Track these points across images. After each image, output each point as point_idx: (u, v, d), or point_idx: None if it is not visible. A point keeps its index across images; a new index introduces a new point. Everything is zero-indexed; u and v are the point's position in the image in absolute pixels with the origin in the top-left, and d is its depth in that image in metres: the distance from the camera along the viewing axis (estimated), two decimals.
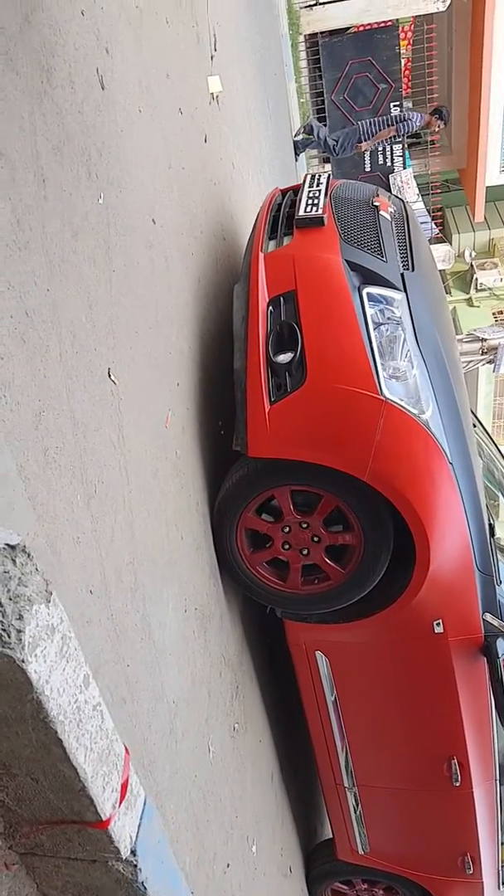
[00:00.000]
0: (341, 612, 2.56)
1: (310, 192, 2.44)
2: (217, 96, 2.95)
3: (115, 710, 1.52)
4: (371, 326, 2.09)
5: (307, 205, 2.36)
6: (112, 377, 1.62)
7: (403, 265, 2.30)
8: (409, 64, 9.43)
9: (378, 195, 2.54)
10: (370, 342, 2.08)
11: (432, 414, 2.17)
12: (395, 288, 2.21)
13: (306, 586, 2.46)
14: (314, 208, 2.33)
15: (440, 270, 10.23)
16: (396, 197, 2.75)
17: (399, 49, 8.77)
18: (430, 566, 2.25)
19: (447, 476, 2.21)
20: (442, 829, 3.14)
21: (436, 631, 2.46)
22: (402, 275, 2.24)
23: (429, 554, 2.22)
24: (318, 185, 2.48)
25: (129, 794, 1.02)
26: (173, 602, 1.94)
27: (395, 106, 9.00)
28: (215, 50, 3.02)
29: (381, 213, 2.42)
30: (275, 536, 2.38)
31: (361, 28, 8.73)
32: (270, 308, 2.20)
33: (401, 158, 9.21)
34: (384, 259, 2.23)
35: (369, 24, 8.64)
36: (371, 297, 2.14)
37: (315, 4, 8.31)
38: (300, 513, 2.31)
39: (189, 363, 2.26)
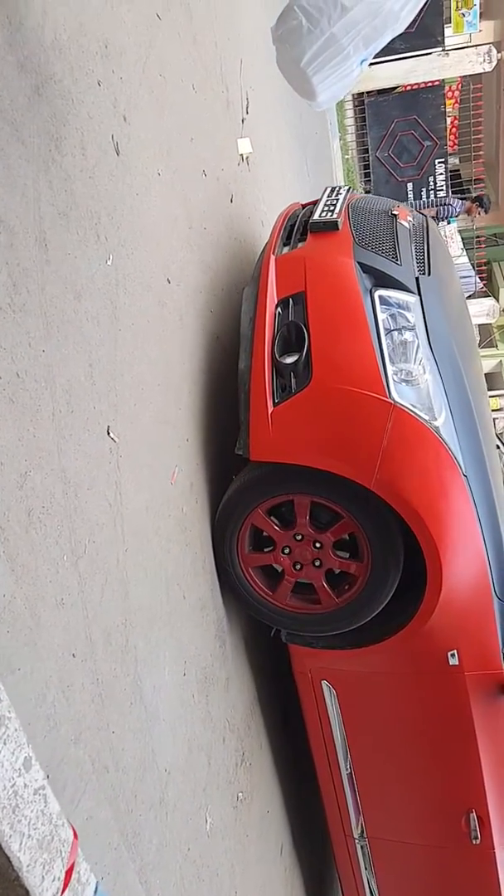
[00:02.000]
0: (348, 637, 2.41)
1: (327, 200, 2.44)
2: (247, 157, 3.01)
3: (95, 779, 1.47)
4: (382, 330, 2.02)
5: (323, 211, 2.33)
6: (111, 435, 1.62)
7: (419, 270, 2.21)
8: (456, 122, 9.57)
9: (398, 206, 2.50)
10: (380, 345, 2.01)
11: (445, 422, 2.06)
12: (409, 291, 2.12)
13: (293, 602, 2.32)
14: (330, 214, 2.30)
15: (485, 324, 10.16)
16: (419, 212, 2.67)
17: (445, 108, 8.90)
18: (442, 587, 2.10)
19: (461, 488, 2.08)
20: (460, 893, 2.91)
21: (451, 663, 2.28)
22: (417, 279, 2.16)
23: (440, 572, 2.07)
24: (336, 195, 2.47)
25: (76, 883, 0.97)
26: (171, 665, 1.89)
27: (440, 163, 9.11)
28: (247, 113, 3.10)
29: (400, 221, 2.37)
30: (279, 542, 2.25)
31: (408, 88, 8.91)
32: (279, 309, 2.15)
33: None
34: (398, 263, 2.16)
35: (416, 84, 8.81)
36: (383, 301, 2.07)
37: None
38: (315, 528, 2.20)
39: (201, 418, 2.25)
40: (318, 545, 2.21)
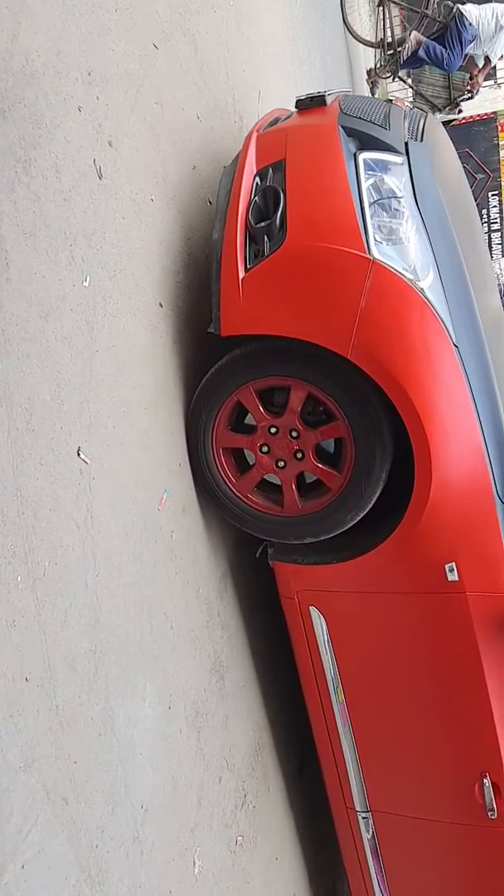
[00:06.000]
0: (334, 549, 2.19)
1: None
2: None
3: (50, 809, 1.42)
4: (364, 191, 1.87)
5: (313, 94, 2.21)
6: (82, 456, 1.59)
7: (411, 136, 2.06)
8: None
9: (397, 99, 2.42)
10: (361, 203, 1.87)
11: (432, 284, 1.88)
12: (396, 152, 1.98)
13: (306, 504, 2.11)
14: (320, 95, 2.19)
15: None
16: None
17: (498, 140, 8.83)
18: (432, 474, 1.89)
19: (450, 358, 1.88)
20: (479, 884, 2.52)
21: (449, 579, 2.02)
22: (406, 143, 2.01)
23: (429, 455, 1.87)
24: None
25: None
26: (152, 696, 1.83)
27: (493, 195, 9.01)
28: None
29: (396, 104, 2.26)
30: (254, 450, 2.09)
31: (461, 122, 8.88)
32: (257, 179, 2.05)
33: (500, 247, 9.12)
34: (387, 128, 2.02)
35: (469, 117, 8.77)
36: (367, 163, 1.92)
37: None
38: (273, 415, 2.04)
39: None
40: (295, 434, 2.03)
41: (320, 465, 2.04)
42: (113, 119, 1.84)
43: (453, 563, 2.01)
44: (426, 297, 1.86)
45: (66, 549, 1.52)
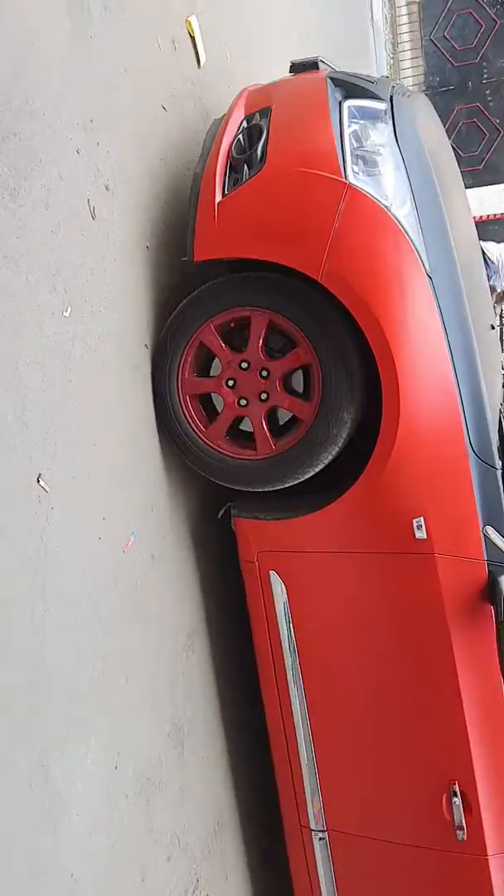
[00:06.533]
0: (301, 501, 2.08)
1: None
2: None
3: None
4: (347, 134, 1.89)
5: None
6: (42, 483, 1.55)
7: (397, 94, 2.07)
8: None
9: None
10: (342, 141, 1.88)
11: (408, 214, 1.86)
12: (380, 99, 1.99)
13: (227, 445, 2.04)
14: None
15: None
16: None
17: None
18: (401, 409, 1.81)
19: (423, 288, 1.84)
20: None
21: (416, 536, 1.89)
22: (391, 96, 2.02)
23: (397, 386, 1.80)
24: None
25: None
26: (97, 752, 1.70)
27: None
28: None
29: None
30: (222, 393, 2.02)
31: (476, 220, 9.18)
32: (243, 123, 2.10)
33: None
34: (373, 82, 2.06)
35: (484, 216, 9.06)
36: (351, 112, 1.94)
37: None
38: (236, 351, 1.98)
39: (174, 490, 2.16)
40: (265, 373, 1.97)
41: (289, 397, 1.97)
42: (113, 166, 1.89)
43: (421, 519, 1.89)
44: (401, 224, 1.84)
45: (13, 578, 1.45)
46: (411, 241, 1.85)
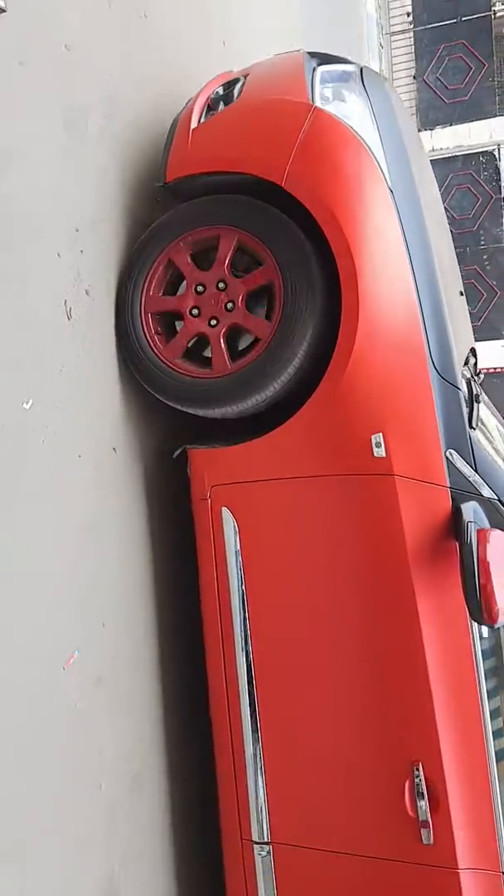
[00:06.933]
0: (258, 426, 1.98)
1: None
2: None
3: None
4: (318, 91, 1.99)
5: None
6: None
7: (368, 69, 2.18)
8: None
9: None
10: (313, 89, 1.98)
11: (372, 138, 1.93)
12: (352, 63, 2.12)
13: (184, 364, 1.99)
14: None
15: None
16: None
17: None
18: (359, 311, 1.78)
19: (384, 198, 1.87)
20: None
21: (375, 454, 1.79)
22: (362, 68, 2.12)
23: (356, 289, 1.79)
24: None
25: None
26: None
27: None
28: None
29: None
30: (183, 308, 1.99)
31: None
32: (220, 89, 2.22)
33: None
34: (349, 61, 2.18)
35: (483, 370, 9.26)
36: (324, 77, 2.03)
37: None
38: (233, 274, 1.96)
39: (130, 605, 2.01)
40: (224, 285, 1.96)
41: (250, 315, 1.96)
42: (95, 274, 1.92)
43: (380, 435, 1.80)
44: (364, 141, 1.91)
45: None
46: (374, 155, 1.91)
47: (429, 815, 1.79)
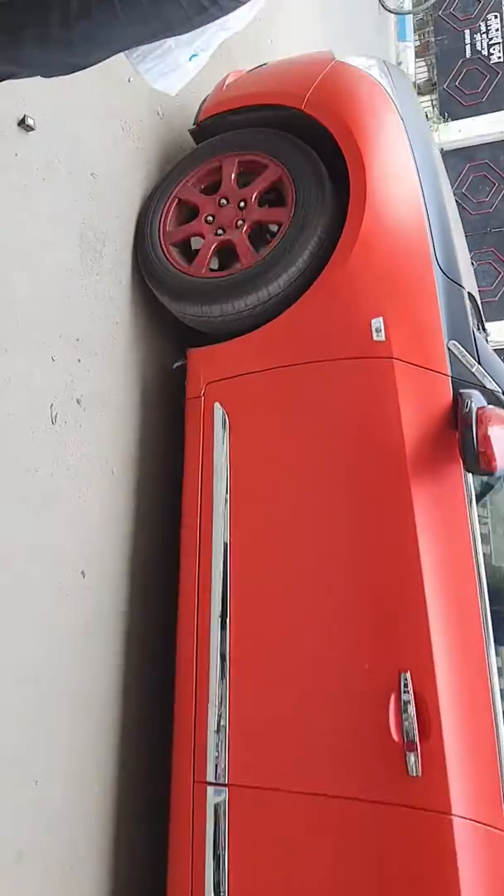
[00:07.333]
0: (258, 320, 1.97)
1: None
2: None
3: None
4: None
5: None
6: None
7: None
8: None
9: None
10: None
11: (386, 82, 2.12)
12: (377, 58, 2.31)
13: (210, 273, 2.06)
14: None
15: None
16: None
17: None
18: (366, 197, 1.87)
19: (395, 122, 2.03)
20: None
21: (375, 338, 1.78)
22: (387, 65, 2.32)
23: (364, 176, 1.89)
24: None
25: None
26: None
27: None
28: None
29: None
30: (203, 209, 2.14)
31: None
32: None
33: None
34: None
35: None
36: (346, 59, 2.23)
37: None
38: (240, 187, 2.12)
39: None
40: (242, 204, 2.08)
41: (265, 209, 2.07)
42: (89, 385, 1.90)
43: (380, 320, 1.79)
44: (379, 82, 2.10)
45: None
46: (388, 94, 2.08)
47: (416, 734, 1.50)
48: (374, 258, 1.87)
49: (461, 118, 8.53)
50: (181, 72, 1.23)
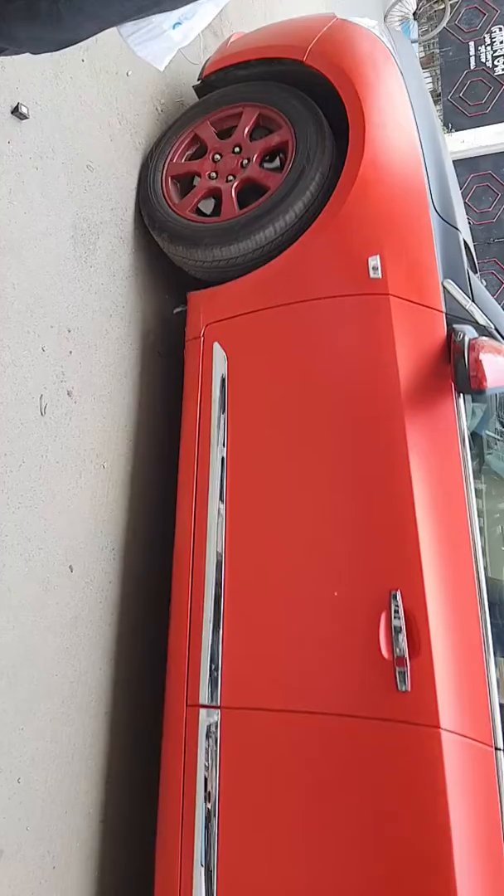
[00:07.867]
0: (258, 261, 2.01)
1: None
2: None
3: None
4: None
5: None
6: None
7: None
8: None
9: None
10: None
11: (387, 40, 2.17)
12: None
13: (194, 215, 2.13)
14: None
15: None
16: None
17: None
18: (365, 136, 1.92)
19: (395, 74, 2.08)
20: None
21: (372, 276, 1.82)
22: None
23: (363, 118, 1.94)
24: None
25: None
26: None
27: None
28: None
29: None
30: (211, 149, 2.20)
31: None
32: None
33: None
34: None
35: None
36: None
37: None
38: (251, 140, 2.16)
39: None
40: (245, 162, 2.12)
41: (263, 170, 2.10)
42: (81, 378, 1.87)
43: (377, 258, 1.83)
44: (380, 38, 2.15)
45: None
46: (388, 49, 2.13)
47: (406, 651, 1.54)
48: (371, 199, 1.92)
49: (465, 129, 8.57)
50: (165, 39, 1.20)
